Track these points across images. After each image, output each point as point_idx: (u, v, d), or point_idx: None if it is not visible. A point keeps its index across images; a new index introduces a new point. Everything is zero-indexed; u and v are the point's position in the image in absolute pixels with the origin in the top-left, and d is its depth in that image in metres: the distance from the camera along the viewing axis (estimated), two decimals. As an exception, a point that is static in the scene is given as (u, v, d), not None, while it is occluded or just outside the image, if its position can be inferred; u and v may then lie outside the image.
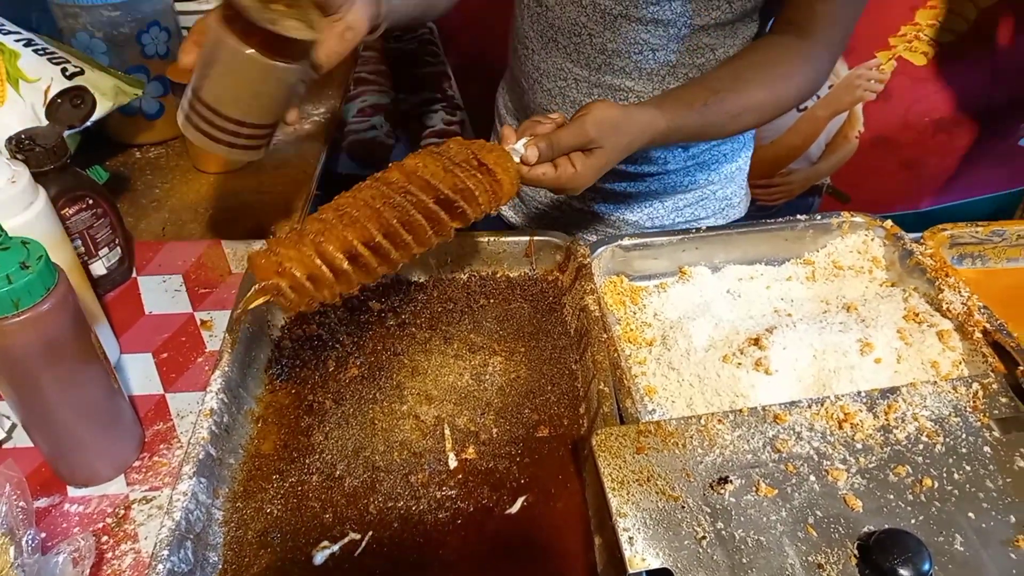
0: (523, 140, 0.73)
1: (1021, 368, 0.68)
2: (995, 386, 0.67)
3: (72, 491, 0.68)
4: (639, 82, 0.92)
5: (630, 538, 0.56)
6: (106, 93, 0.95)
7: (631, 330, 0.82)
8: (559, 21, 0.92)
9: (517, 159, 0.73)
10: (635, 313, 0.84)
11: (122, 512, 0.67)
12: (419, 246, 0.68)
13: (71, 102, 0.80)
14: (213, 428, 0.67)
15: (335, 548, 0.64)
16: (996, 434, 0.64)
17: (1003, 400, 0.66)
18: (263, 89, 0.68)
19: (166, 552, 0.58)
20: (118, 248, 0.87)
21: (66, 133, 0.81)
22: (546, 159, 0.74)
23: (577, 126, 0.73)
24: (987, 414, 0.65)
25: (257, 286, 0.63)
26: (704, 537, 0.56)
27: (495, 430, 0.73)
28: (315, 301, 0.64)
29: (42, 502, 0.67)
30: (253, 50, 0.64)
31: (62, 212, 0.80)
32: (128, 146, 1.15)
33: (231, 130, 0.69)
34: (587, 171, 0.74)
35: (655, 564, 0.54)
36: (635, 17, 0.86)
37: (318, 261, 0.62)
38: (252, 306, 0.63)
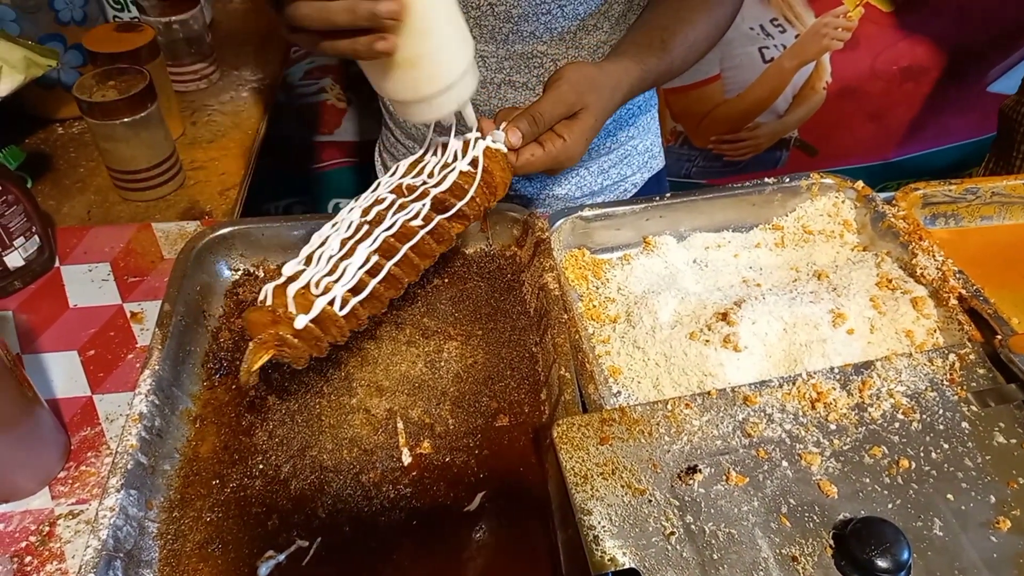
0: (501, 127, 0.69)
1: (999, 337, 0.65)
2: (972, 356, 0.64)
3: (-9, 508, 0.63)
4: (551, 44, 0.86)
5: (595, 537, 0.52)
6: (16, 66, 0.86)
7: (594, 307, 0.77)
8: None
9: (502, 148, 0.68)
10: (598, 288, 0.80)
11: (47, 529, 0.61)
12: (422, 258, 0.63)
13: (-30, 77, 0.72)
14: (143, 434, 0.62)
15: (281, 558, 0.59)
16: (974, 408, 0.61)
17: (981, 371, 0.63)
18: None
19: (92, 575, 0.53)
20: (36, 236, 0.80)
21: (-32, 112, 0.73)
22: (531, 137, 0.69)
23: (554, 92, 0.69)
24: (964, 387, 0.62)
25: (255, 340, 0.57)
26: (673, 533, 0.53)
27: (451, 421, 0.68)
28: (323, 344, 0.59)
29: (-42, 522, 0.62)
30: None
31: (-34, 200, 0.73)
32: (49, 121, 1.07)
33: None
34: (578, 137, 0.70)
35: (621, 564, 0.51)
36: None
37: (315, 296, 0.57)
38: (256, 367, 0.58)
